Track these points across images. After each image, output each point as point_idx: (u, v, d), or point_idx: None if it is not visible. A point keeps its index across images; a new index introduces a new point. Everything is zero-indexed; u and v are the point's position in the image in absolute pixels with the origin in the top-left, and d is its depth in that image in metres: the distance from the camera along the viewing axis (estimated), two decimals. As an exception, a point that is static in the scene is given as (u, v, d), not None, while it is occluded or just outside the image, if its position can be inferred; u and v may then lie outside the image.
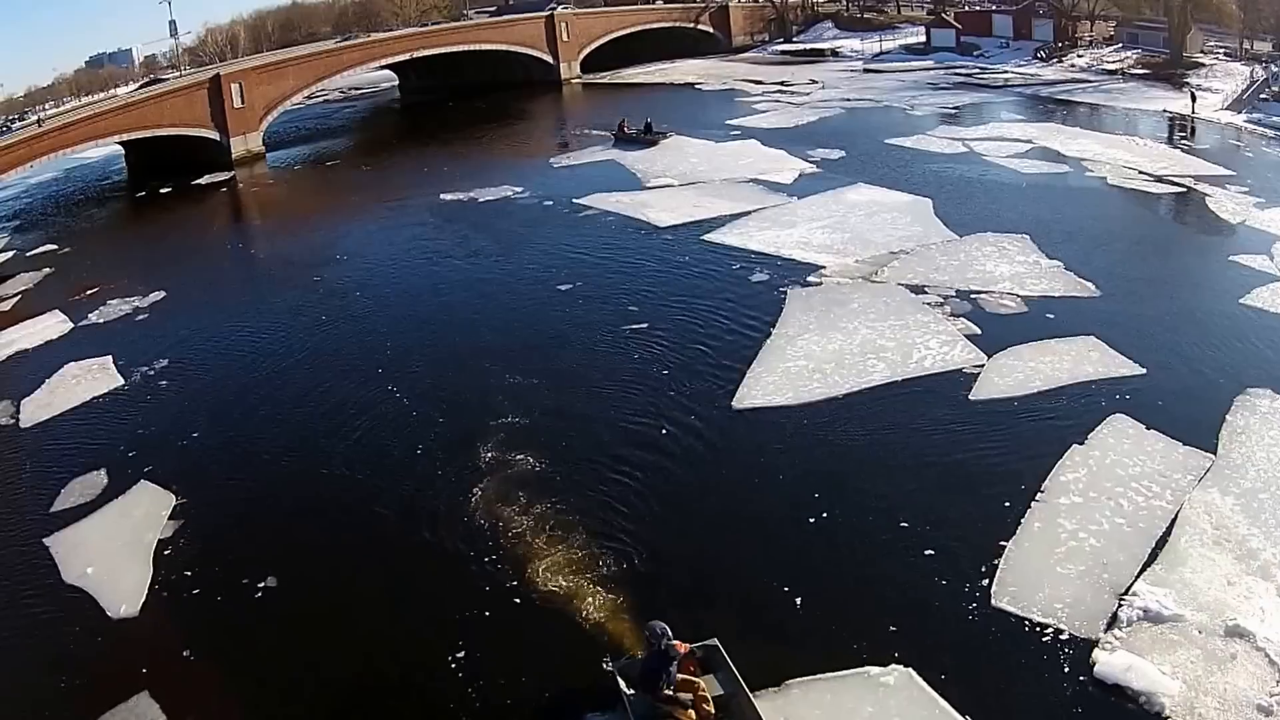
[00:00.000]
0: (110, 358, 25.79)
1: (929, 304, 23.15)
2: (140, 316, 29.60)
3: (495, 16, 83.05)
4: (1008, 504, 15.07)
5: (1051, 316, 22.21)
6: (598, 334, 23.49)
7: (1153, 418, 17.17)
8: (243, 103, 58.37)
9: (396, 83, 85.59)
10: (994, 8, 77.85)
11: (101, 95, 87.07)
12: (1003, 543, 14.15)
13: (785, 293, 24.65)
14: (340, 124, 71.66)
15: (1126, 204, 33.16)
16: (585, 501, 16.26)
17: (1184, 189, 33.93)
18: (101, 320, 29.68)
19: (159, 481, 18.85)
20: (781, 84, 64.94)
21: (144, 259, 37.72)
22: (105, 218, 49.20)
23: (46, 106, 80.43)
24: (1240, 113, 48.89)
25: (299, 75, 62.33)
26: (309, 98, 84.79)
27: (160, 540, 16.86)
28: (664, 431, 18.35)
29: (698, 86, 68.47)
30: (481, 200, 39.40)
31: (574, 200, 36.79)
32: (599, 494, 16.51)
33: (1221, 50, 62.78)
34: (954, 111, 51.72)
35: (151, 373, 24.54)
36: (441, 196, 40.48)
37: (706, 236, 30.44)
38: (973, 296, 23.49)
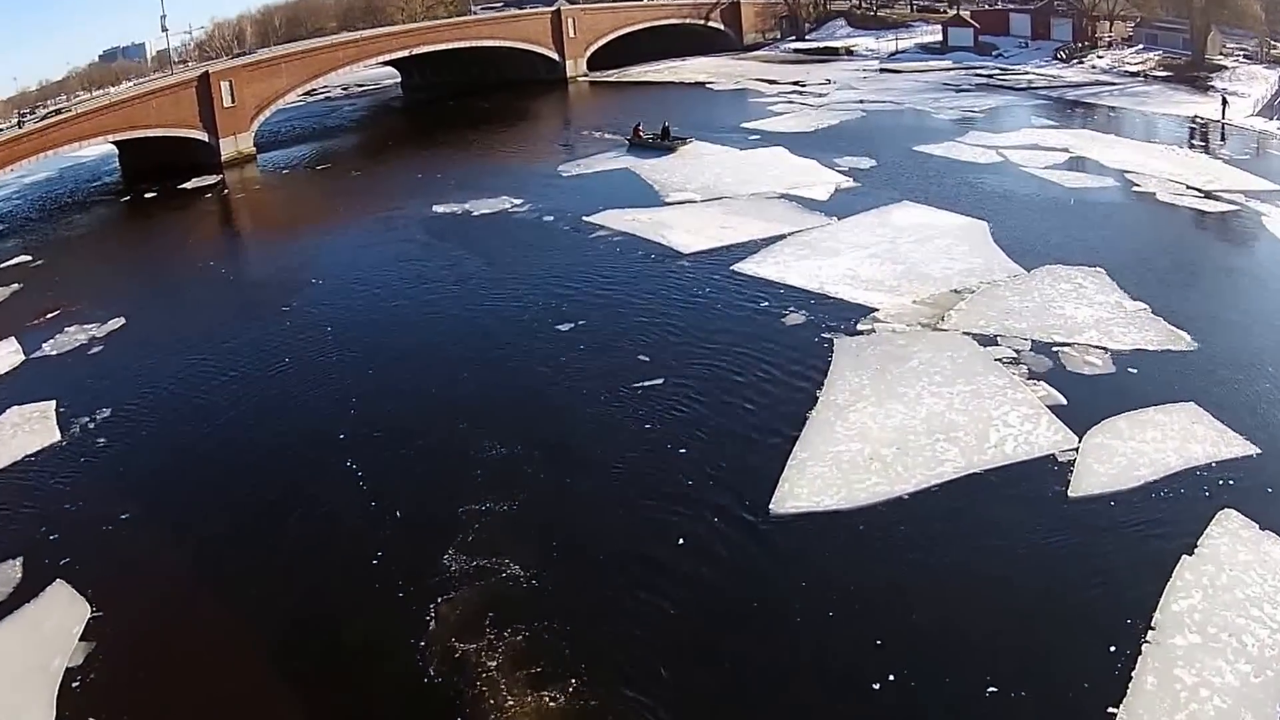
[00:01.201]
0: (54, 403, 22.46)
1: (1003, 361, 19.28)
2: (94, 350, 26.21)
3: (501, 12, 78.90)
4: (1114, 648, 11.81)
5: (1143, 375, 18.57)
6: (601, 392, 19.63)
7: (1266, 514, 14.08)
8: (233, 102, 55.03)
9: (400, 80, 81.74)
10: (1011, 6, 73.86)
11: (98, 92, 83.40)
12: (1112, 710, 10.93)
13: (832, 342, 20.73)
14: (338, 123, 67.79)
15: (1186, 227, 29.54)
16: (581, 641, 12.67)
17: (1237, 206, 30.47)
18: (54, 352, 26.38)
19: (77, 582, 15.44)
20: (796, 84, 60.97)
21: (112, 277, 34.72)
22: (85, 225, 45.52)
23: (60, 100, 77.39)
24: (1272, 119, 45.59)
25: (292, 73, 58.43)
26: (310, 95, 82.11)
27: (69, 669, 13.56)
28: (681, 544, 14.56)
29: (709, 86, 64.46)
30: (477, 214, 35.53)
31: (581, 217, 32.74)
32: (599, 630, 12.93)
33: (1241, 53, 59.29)
34: (980, 115, 48.17)
35: (91, 426, 21.05)
36: (433, 208, 36.67)
37: (736, 266, 26.16)
38: (1054, 350, 19.61)
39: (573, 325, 23.37)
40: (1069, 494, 14.92)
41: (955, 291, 23.08)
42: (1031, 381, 18.36)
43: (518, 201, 36.41)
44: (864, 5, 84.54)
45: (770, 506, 15.11)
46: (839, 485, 15.42)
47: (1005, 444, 16.24)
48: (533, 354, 22.08)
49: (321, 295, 28.41)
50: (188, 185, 48.98)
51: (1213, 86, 50.98)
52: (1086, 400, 17.48)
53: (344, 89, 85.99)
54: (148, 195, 48.35)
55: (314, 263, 32.08)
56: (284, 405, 21.05)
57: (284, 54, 61.14)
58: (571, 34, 71.36)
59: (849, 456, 16.16)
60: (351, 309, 26.92)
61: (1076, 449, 15.95)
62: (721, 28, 79.59)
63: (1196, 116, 45.86)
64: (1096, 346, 19.69)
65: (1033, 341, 20.05)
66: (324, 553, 15.38)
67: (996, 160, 37.89)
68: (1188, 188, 32.72)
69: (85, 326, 27.72)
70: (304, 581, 14.75)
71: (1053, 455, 15.86)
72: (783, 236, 28.55)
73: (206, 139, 53.65)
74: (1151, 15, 66.61)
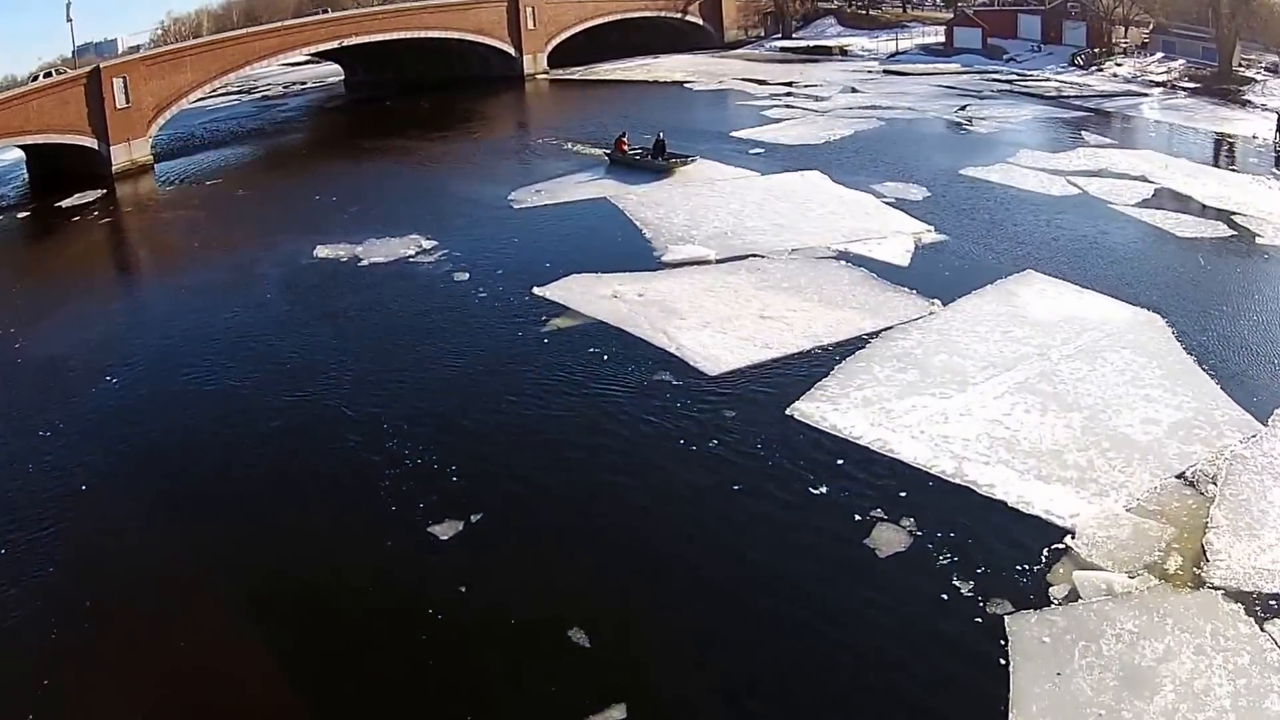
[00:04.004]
0: None
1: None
2: None
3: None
4: None
5: None
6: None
7: None
8: (127, 102, 44.89)
9: (343, 77, 70.83)
10: (1019, 7, 64.80)
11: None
12: None
13: (1000, 625, 10.32)
14: (258, 126, 56.69)
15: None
16: None
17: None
18: None
19: None
20: (789, 85, 51.25)
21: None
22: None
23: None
24: (1329, 142, 38.22)
25: (198, 68, 47.49)
26: (247, 93, 72.14)
27: None
28: None
29: (688, 86, 54.37)
30: (367, 264, 25.06)
31: (528, 287, 21.58)
32: None
33: (1263, 65, 52.24)
34: (1019, 128, 38.91)
35: None
36: (315, 250, 26.29)
37: (794, 409, 15.07)
38: None
39: (463, 527, 12.68)
40: None
41: (1184, 481, 12.76)
42: None
43: (431, 247, 25.68)
44: (855, 4, 74.73)
45: None
46: None
47: None
48: (371, 608, 11.50)
49: (103, 406, 18.04)
50: (65, 203, 38.91)
51: (1249, 101, 44.76)
52: None
53: (284, 87, 75.62)
54: (20, 215, 39.07)
55: (124, 340, 21.82)
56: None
57: (188, 46, 50.31)
58: (530, 25, 60.51)
59: None
60: (122, 446, 16.44)
61: None
62: (700, 23, 69.19)
63: (1255, 135, 38.19)
64: None
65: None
66: None
67: (1072, 192, 28.78)
68: (1313, 239, 24.12)
69: None
70: None
71: None
72: (863, 341, 17.41)
73: (96, 146, 43.56)
74: (1168, 21, 58.93)
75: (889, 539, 11.82)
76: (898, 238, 23.67)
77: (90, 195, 39.77)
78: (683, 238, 24.51)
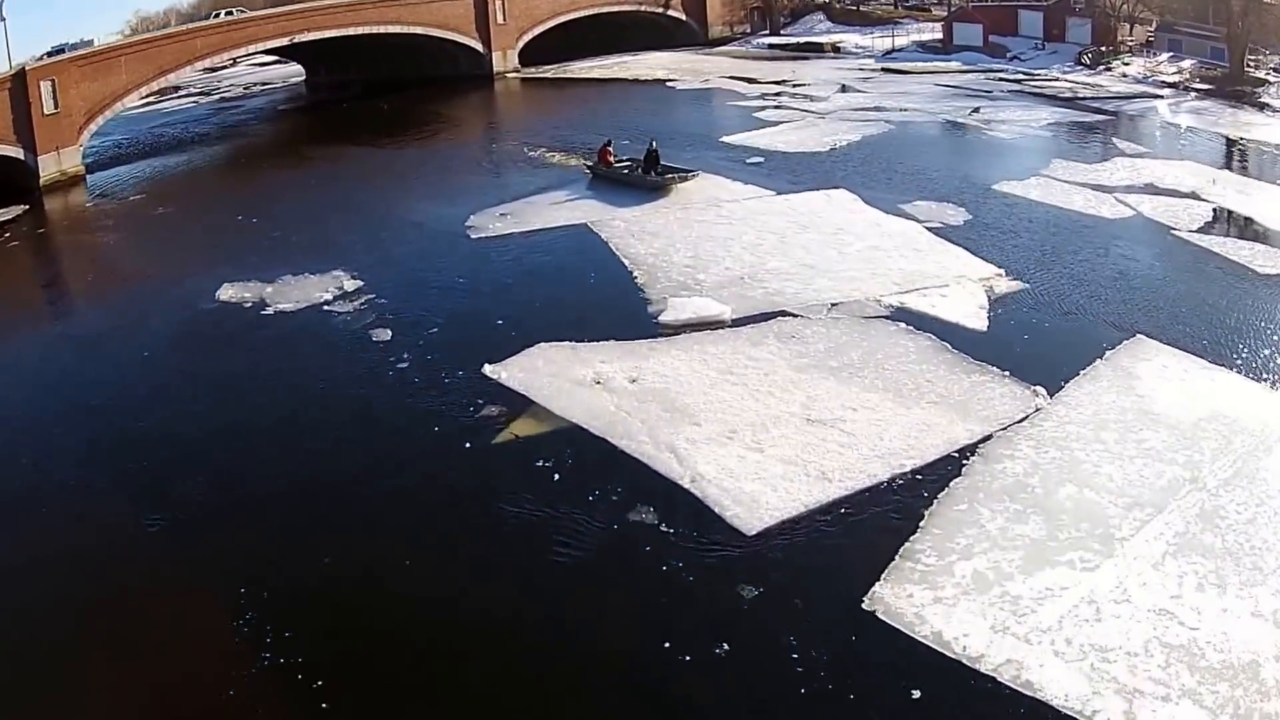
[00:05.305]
0: None
1: None
2: None
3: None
4: None
5: None
6: None
7: None
8: (56, 108, 40.37)
9: (305, 78, 66.11)
10: (1020, 3, 61.20)
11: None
12: None
13: None
14: (205, 131, 51.62)
15: None
16: None
17: None
18: None
19: None
20: (781, 85, 47.16)
21: None
22: None
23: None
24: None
25: (134, 69, 42.80)
26: (204, 95, 68.35)
27: None
28: None
29: (671, 85, 50.09)
30: (273, 311, 20.28)
31: (474, 362, 16.02)
32: None
33: (1271, 65, 49.60)
34: (1044, 134, 35.09)
35: None
36: (219, 290, 21.55)
37: (872, 599, 9.85)
38: None
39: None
40: None
41: None
42: None
43: (355, 289, 20.81)
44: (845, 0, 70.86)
45: None
46: None
47: None
48: None
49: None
50: (-18, 220, 34.46)
51: (1266, 104, 42.33)
52: None
53: (245, 88, 70.61)
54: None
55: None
56: None
57: (121, 45, 45.63)
58: (500, 20, 55.86)
59: None
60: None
61: None
62: (683, 18, 64.81)
63: (1287, 143, 34.89)
64: None
65: None
66: None
67: (1125, 214, 24.84)
68: None
69: None
70: None
71: None
72: (957, 464, 12.34)
73: (22, 156, 39.05)
74: (1173, 19, 55.88)
75: None
76: (963, 286, 18.49)
77: (14, 211, 35.41)
78: (686, 284, 19.06)
